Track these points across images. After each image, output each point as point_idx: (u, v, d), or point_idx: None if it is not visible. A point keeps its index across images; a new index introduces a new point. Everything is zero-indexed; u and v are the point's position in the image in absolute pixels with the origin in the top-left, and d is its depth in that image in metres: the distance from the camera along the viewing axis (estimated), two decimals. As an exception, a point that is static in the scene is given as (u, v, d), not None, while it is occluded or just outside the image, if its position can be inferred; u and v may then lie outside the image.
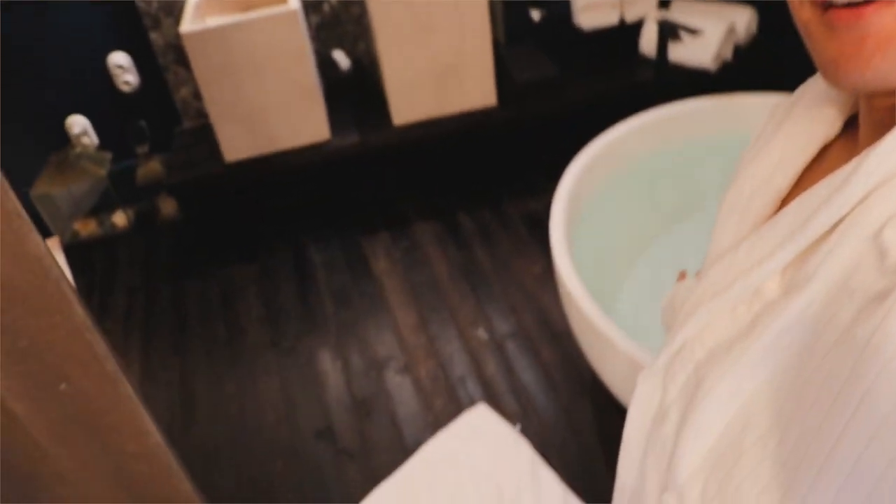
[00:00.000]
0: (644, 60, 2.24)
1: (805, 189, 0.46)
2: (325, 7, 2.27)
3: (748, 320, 0.45)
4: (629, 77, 2.18)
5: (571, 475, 1.30)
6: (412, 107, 2.14)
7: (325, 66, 2.32)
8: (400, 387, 1.76)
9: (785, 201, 0.50)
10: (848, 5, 0.38)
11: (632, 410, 0.56)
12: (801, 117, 0.52)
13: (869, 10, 0.37)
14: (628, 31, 2.23)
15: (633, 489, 0.57)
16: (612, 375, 1.51)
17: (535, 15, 2.19)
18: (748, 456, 0.43)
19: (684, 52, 2.11)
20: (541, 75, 2.08)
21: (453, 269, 2.05)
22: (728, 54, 2.19)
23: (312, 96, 2.06)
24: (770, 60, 2.25)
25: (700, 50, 2.08)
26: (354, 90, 2.36)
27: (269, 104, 2.04)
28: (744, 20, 2.19)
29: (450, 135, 2.16)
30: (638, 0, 2.19)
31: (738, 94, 1.98)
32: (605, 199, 1.91)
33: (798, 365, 0.40)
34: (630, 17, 2.21)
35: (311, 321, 1.99)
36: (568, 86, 2.14)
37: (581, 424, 1.62)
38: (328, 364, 1.85)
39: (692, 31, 1.92)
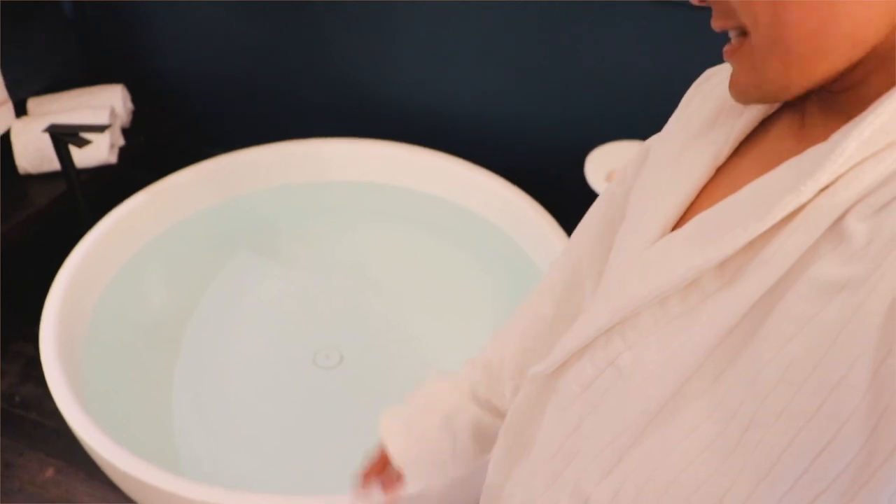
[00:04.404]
0: (32, 177, 1.88)
1: (749, 162, 0.44)
2: None
3: (680, 314, 0.42)
4: (34, 202, 1.82)
5: None
6: None
7: None
8: None
9: (722, 171, 0.46)
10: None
11: (514, 409, 0.55)
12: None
13: (717, 27, 0.41)
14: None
15: (500, 491, 0.56)
16: None
17: None
18: (680, 450, 0.40)
19: (78, 154, 1.84)
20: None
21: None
22: (119, 140, 1.99)
23: None
24: (157, 129, 2.14)
25: (93, 147, 1.84)
26: None
27: None
28: (119, 100, 2.01)
29: None
30: (-9, 116, 1.81)
31: (198, 165, 1.89)
32: (105, 333, 1.63)
33: (743, 355, 0.38)
34: (-10, 136, 1.82)
35: None
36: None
37: None
38: None
39: (98, 129, 1.67)
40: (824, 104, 0.42)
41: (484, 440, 0.71)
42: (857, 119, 0.36)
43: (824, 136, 0.38)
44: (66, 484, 1.57)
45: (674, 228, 0.46)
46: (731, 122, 0.47)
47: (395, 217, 2.02)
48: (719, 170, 0.47)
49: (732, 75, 0.42)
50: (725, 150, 0.46)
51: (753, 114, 0.46)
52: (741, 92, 0.41)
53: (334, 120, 2.03)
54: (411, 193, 1.98)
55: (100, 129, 1.70)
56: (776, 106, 0.46)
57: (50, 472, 1.59)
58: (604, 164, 1.64)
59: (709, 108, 0.49)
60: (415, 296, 1.85)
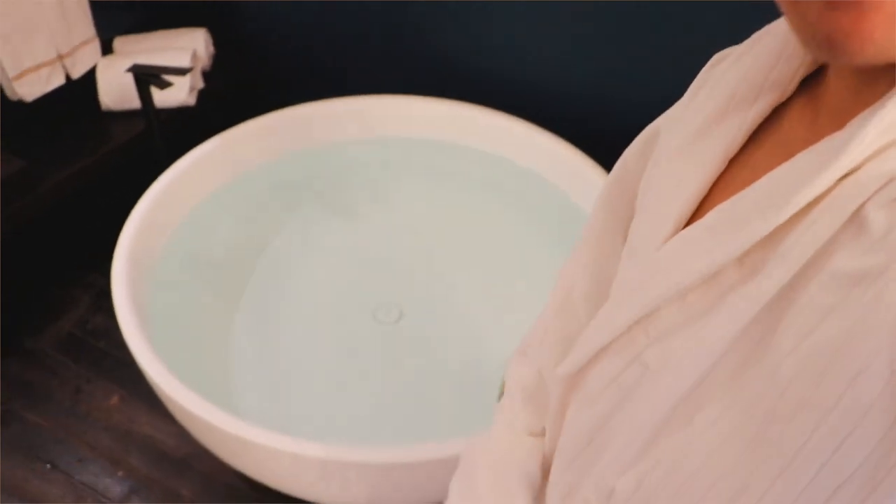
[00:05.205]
0: (113, 114, 1.94)
1: (763, 152, 0.43)
2: None
3: (702, 308, 0.41)
4: (114, 139, 1.87)
5: None
6: None
7: None
8: None
9: (735, 161, 0.45)
10: None
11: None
12: (749, 75, 0.45)
13: None
14: (80, 88, 1.90)
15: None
16: (266, 472, 1.36)
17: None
18: (701, 442, 0.40)
19: (158, 95, 1.88)
20: (4, 174, 1.64)
21: (7, 455, 1.56)
22: (199, 83, 2.02)
23: None
24: (237, 74, 2.16)
25: (173, 88, 1.87)
26: None
27: None
28: (201, 43, 2.04)
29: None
30: (79, 52, 1.86)
31: (273, 113, 1.90)
32: (176, 270, 1.69)
33: (764, 347, 0.38)
34: (77, 72, 1.87)
35: None
36: (46, 174, 1.73)
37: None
38: None
39: (180, 72, 1.70)
40: (840, 91, 0.40)
41: None
42: (874, 106, 0.35)
43: (840, 125, 0.37)
44: (128, 412, 1.64)
45: (688, 222, 0.46)
46: (743, 111, 0.45)
47: (460, 177, 2.01)
48: (732, 161, 0.46)
49: (856, 23, 0.32)
50: (738, 141, 0.45)
51: (766, 102, 0.45)
52: (864, 42, 0.32)
53: (409, 76, 2.02)
54: (478, 154, 1.96)
55: (181, 71, 1.73)
56: (789, 93, 0.44)
57: (115, 400, 1.66)
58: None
59: (719, 97, 0.47)
60: (475, 255, 1.84)
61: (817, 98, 0.42)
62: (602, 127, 1.84)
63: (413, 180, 2.03)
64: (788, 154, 0.39)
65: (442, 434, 1.28)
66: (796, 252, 0.36)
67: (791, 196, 0.36)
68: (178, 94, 1.91)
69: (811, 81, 0.44)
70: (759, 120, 0.45)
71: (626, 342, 0.46)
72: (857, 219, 0.35)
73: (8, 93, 1.77)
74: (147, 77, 1.71)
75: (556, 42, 1.78)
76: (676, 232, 0.45)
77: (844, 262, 0.34)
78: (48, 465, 1.54)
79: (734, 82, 0.46)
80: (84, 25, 1.86)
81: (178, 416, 1.39)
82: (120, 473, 1.54)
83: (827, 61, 0.37)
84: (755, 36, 0.48)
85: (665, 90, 1.77)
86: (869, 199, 0.34)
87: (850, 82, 0.39)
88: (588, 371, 0.50)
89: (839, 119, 0.38)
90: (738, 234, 0.39)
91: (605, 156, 1.74)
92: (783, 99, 0.45)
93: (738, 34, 0.55)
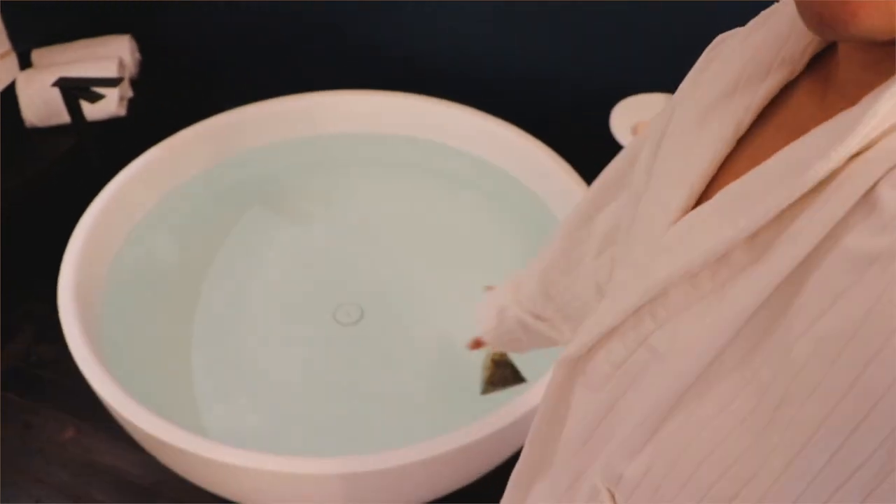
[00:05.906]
0: (39, 131, 1.83)
1: (771, 131, 0.43)
2: None
3: (711, 290, 0.41)
4: (43, 157, 1.77)
5: None
6: None
7: None
8: None
9: (743, 141, 0.45)
10: None
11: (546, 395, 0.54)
12: (758, 53, 0.45)
13: None
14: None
15: (538, 470, 0.56)
16: (240, 491, 1.32)
17: None
18: (713, 426, 0.39)
19: (87, 108, 1.78)
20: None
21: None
22: (128, 92, 1.93)
23: None
24: (166, 80, 2.07)
25: (102, 100, 1.78)
26: None
27: None
28: (126, 50, 1.94)
29: None
30: (-4, 67, 1.75)
31: (212, 118, 1.82)
32: (125, 293, 1.61)
33: (775, 329, 0.37)
34: (-5, 88, 1.76)
35: None
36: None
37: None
38: None
39: (111, 83, 1.62)
40: (849, 69, 0.39)
41: (530, 334, 0.82)
42: (888, 82, 0.34)
43: (849, 102, 0.36)
44: (86, 444, 1.55)
45: (697, 202, 0.45)
46: (751, 90, 0.45)
47: (413, 170, 1.97)
48: (741, 140, 0.45)
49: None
50: (747, 120, 0.44)
51: (775, 80, 0.44)
52: (848, 19, 0.33)
53: (346, 73, 1.97)
54: (430, 146, 1.93)
55: (112, 82, 1.64)
56: (798, 70, 0.44)
57: (69, 433, 1.57)
58: (630, 117, 1.59)
59: (727, 76, 0.46)
60: (434, 250, 1.81)
61: (826, 76, 0.42)
62: (554, 113, 1.83)
63: (362, 176, 1.99)
64: (798, 132, 0.38)
65: (411, 436, 1.26)
66: (808, 232, 0.35)
67: (804, 172, 0.35)
68: (107, 105, 1.82)
69: (820, 59, 0.44)
70: (768, 98, 0.44)
71: (632, 326, 0.45)
72: (869, 197, 0.33)
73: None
74: (75, 91, 1.62)
75: (499, 28, 1.76)
76: (685, 213, 0.44)
77: (857, 242, 0.33)
78: (6, 510, 1.45)
79: (743, 60, 0.46)
80: (-2, 38, 1.76)
81: (143, 443, 1.32)
82: (83, 508, 1.45)
83: (821, 37, 0.37)
84: (764, 14, 0.48)
85: (608, 74, 1.78)
86: (882, 177, 0.33)
87: (858, 59, 0.38)
88: (593, 356, 0.49)
89: (849, 96, 0.37)
90: (749, 213, 0.38)
91: (561, 145, 1.73)
92: (792, 76, 0.44)
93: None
